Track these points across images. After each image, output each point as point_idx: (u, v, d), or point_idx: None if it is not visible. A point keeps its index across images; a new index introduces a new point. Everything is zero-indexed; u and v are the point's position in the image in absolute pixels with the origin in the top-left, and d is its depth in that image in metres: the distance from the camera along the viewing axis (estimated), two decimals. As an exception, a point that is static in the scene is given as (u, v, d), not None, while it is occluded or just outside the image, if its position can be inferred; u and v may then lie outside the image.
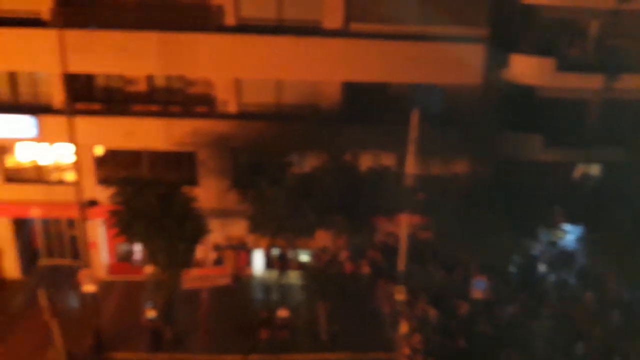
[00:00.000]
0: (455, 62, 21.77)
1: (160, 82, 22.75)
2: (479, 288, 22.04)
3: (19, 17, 21.29)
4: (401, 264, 21.16)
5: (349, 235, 22.85)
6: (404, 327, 20.26)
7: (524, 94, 23.58)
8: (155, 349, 20.43)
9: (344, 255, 23.91)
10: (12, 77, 22.38)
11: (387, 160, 22.78)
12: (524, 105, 23.66)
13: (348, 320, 21.70)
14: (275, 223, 20.54)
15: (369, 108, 22.64)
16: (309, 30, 21.66)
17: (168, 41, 21.13)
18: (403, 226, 20.76)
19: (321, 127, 22.20)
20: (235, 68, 21.78)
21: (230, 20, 21.60)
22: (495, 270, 22.18)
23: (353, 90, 22.58)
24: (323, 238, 23.44)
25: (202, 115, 22.58)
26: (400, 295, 21.06)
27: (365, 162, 22.75)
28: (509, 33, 23.26)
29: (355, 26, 21.80)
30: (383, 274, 22.89)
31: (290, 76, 22.10)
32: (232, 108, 22.59)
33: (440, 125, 21.78)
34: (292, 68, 21.74)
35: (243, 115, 22.61)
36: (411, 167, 20.11)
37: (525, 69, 23.17)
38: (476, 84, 22.14)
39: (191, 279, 20.43)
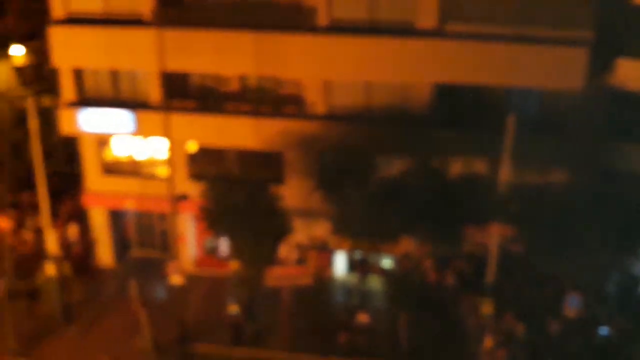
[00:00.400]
0: (556, 65, 20.64)
1: (252, 81, 23.11)
2: (572, 305, 20.81)
3: (123, 18, 22.36)
4: (490, 276, 20.30)
5: (434, 243, 22.18)
6: (488, 342, 19.50)
7: (631, 101, 22.04)
8: (236, 344, 20.76)
9: (427, 263, 23.26)
10: (114, 75, 23.50)
11: (479, 166, 21.95)
12: (631, 113, 22.11)
13: (430, 330, 21.10)
14: (359, 226, 20.28)
15: (461, 112, 21.90)
16: (402, 30, 21.25)
17: (262, 41, 21.40)
18: (493, 237, 19.90)
19: (410, 131, 21.70)
20: (327, 69, 21.72)
21: (322, 20, 21.58)
22: (591, 287, 20.84)
23: (445, 93, 21.91)
24: (407, 244, 22.91)
25: (291, 116, 22.74)
26: (487, 308, 20.22)
27: (455, 168, 22.02)
28: (615, 36, 21.83)
29: (450, 26, 21.18)
30: (469, 286, 22.07)
31: (381, 78, 21.77)
32: (320, 109, 22.57)
33: (537, 132, 20.73)
34: (384, 69, 21.37)
35: (331, 117, 22.53)
36: (505, 175, 19.25)
37: (633, 74, 21.68)
38: (578, 89, 20.89)
39: (274, 276, 20.57)
